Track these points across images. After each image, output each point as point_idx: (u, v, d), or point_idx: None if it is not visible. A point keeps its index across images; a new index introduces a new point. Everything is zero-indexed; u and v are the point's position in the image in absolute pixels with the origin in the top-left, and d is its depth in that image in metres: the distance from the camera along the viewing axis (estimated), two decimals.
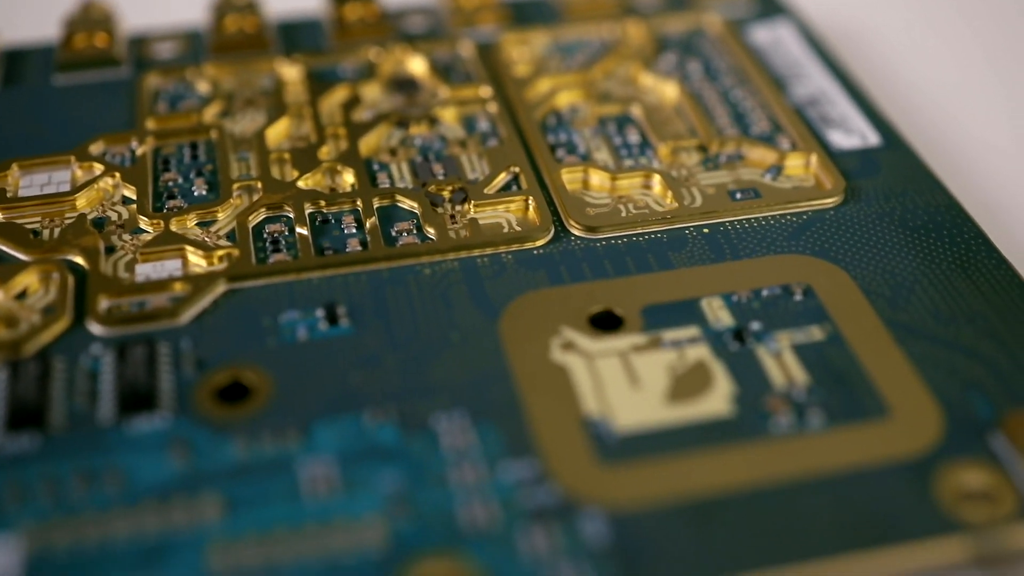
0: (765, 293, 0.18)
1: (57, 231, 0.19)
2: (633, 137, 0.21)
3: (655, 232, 0.19)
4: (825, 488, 0.15)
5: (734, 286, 0.18)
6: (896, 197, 0.20)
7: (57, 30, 0.25)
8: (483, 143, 0.21)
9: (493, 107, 0.22)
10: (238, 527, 0.15)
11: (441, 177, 0.20)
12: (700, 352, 0.17)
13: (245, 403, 0.16)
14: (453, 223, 0.19)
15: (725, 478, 0.15)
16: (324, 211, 0.19)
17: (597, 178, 0.20)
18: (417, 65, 0.23)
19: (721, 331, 0.17)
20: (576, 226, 0.19)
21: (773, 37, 0.25)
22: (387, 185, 0.20)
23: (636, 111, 0.22)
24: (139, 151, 0.21)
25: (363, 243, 0.19)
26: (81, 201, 0.20)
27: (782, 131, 0.21)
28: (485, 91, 0.22)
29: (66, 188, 0.20)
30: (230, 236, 0.19)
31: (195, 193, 0.20)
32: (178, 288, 0.18)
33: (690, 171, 0.20)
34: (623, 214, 0.19)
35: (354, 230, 0.19)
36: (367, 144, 0.21)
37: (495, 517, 0.15)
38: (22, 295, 0.18)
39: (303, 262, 0.18)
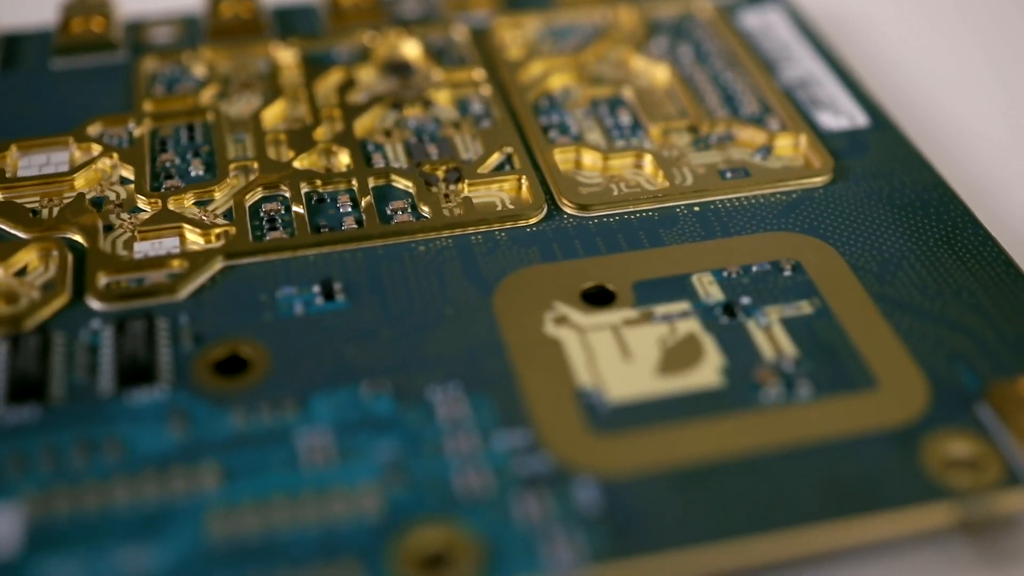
0: (755, 269, 0.18)
1: (56, 210, 0.19)
2: (625, 119, 0.22)
3: (646, 210, 0.19)
4: (813, 456, 0.15)
5: (724, 262, 0.18)
6: (884, 176, 0.20)
7: (54, 15, 0.25)
8: (477, 124, 0.21)
9: (486, 90, 0.22)
10: (236, 495, 0.15)
11: (435, 157, 0.20)
12: (691, 326, 0.17)
13: (243, 376, 0.16)
14: (447, 202, 0.19)
15: (715, 447, 0.15)
16: (320, 191, 0.20)
17: (589, 158, 0.20)
18: (411, 49, 0.23)
19: (711, 306, 0.18)
20: (568, 204, 0.19)
21: (763, 22, 0.25)
22: (382, 166, 0.20)
23: (628, 93, 0.22)
24: (136, 132, 0.21)
25: (358, 221, 0.19)
26: (79, 181, 0.20)
27: (772, 113, 0.22)
28: (478, 74, 0.23)
29: (64, 169, 0.20)
30: (227, 215, 0.19)
31: (192, 174, 0.20)
32: (176, 265, 0.18)
33: (681, 151, 0.21)
34: (615, 193, 0.20)
35: (349, 209, 0.19)
36: (362, 125, 0.21)
37: (489, 485, 0.15)
38: (22, 272, 0.18)
39: (299, 240, 0.19)
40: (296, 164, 0.20)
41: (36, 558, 0.14)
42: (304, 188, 0.20)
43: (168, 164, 0.20)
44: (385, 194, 0.20)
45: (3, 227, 0.19)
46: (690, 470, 0.15)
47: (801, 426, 0.16)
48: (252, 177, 0.20)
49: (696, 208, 0.19)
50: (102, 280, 0.18)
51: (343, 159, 0.20)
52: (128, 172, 0.20)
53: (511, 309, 0.17)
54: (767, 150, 0.21)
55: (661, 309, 0.17)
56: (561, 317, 0.17)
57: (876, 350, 0.17)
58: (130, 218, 0.19)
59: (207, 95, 0.22)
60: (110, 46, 0.24)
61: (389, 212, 0.19)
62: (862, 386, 0.16)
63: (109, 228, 0.19)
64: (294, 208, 0.19)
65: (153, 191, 0.20)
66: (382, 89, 0.22)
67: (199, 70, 0.23)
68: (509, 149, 0.20)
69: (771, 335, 0.17)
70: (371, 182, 0.20)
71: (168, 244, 0.19)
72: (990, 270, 0.18)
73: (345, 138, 0.21)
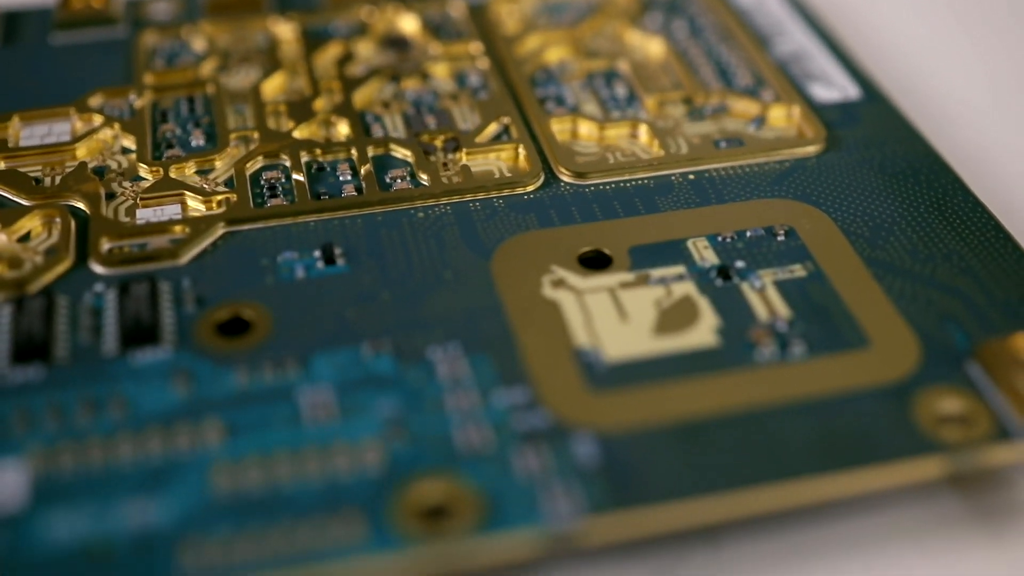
0: (749, 234, 0.18)
1: (58, 178, 0.19)
2: (620, 90, 0.22)
3: (642, 178, 0.20)
4: (807, 411, 0.16)
5: (719, 228, 0.19)
6: (876, 146, 0.21)
7: None
8: (474, 96, 0.22)
9: (483, 63, 0.22)
10: (240, 450, 0.15)
11: (433, 128, 0.21)
12: (686, 288, 0.17)
13: (245, 337, 0.17)
14: (446, 170, 0.20)
15: (710, 403, 0.16)
16: (320, 159, 0.20)
17: (585, 128, 0.21)
18: (409, 24, 0.24)
19: (706, 269, 0.18)
20: (565, 172, 0.20)
21: None
22: (381, 136, 0.21)
23: (623, 66, 0.22)
24: (137, 104, 0.21)
25: (358, 189, 0.19)
26: (81, 150, 0.20)
27: (765, 85, 0.22)
28: (475, 48, 0.23)
29: (66, 139, 0.20)
30: (228, 183, 0.19)
31: (193, 144, 0.20)
32: (178, 231, 0.18)
33: (676, 122, 0.21)
34: (611, 161, 0.20)
35: (349, 177, 0.20)
36: (361, 97, 0.21)
37: (489, 440, 0.15)
38: (25, 238, 0.18)
39: (300, 206, 0.19)
40: (296, 134, 0.20)
41: (42, 511, 0.14)
42: (304, 157, 0.20)
43: (169, 134, 0.21)
44: (384, 163, 0.20)
45: (6, 195, 0.19)
46: (686, 425, 0.15)
47: (795, 383, 0.16)
48: (252, 146, 0.20)
49: (691, 176, 0.20)
50: (105, 245, 0.18)
51: (342, 130, 0.21)
52: (129, 142, 0.20)
53: (509, 273, 0.18)
54: (760, 121, 0.21)
55: (657, 272, 0.18)
56: (559, 280, 0.18)
57: (868, 311, 0.17)
58: (132, 186, 0.19)
59: (207, 68, 0.22)
60: (110, 21, 0.24)
61: (388, 180, 0.20)
62: (855, 346, 0.17)
63: (111, 196, 0.19)
64: (294, 176, 0.19)
65: (155, 160, 0.20)
66: (380, 62, 0.23)
67: (198, 44, 0.23)
68: (506, 119, 0.21)
69: (765, 297, 0.17)
70: (370, 151, 0.20)
71: (170, 211, 0.19)
72: (980, 235, 0.18)
73: (344, 109, 0.21)
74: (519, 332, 0.17)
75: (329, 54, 0.23)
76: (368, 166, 0.20)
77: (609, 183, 0.20)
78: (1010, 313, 0.17)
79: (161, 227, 0.18)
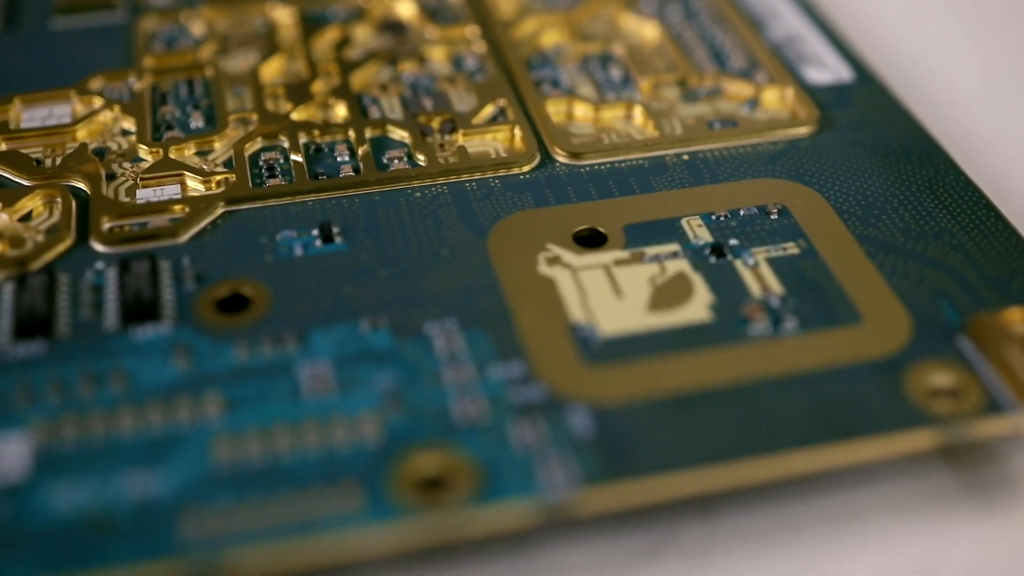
0: (742, 213, 0.19)
1: (59, 160, 0.20)
2: (615, 73, 0.22)
3: (637, 159, 0.20)
4: (800, 385, 0.16)
5: (712, 206, 0.19)
6: (868, 127, 0.21)
7: None
8: (471, 79, 0.22)
9: (480, 47, 0.23)
10: (240, 423, 0.15)
11: (430, 109, 0.21)
12: (680, 265, 0.18)
13: (244, 313, 0.17)
14: (442, 151, 0.20)
15: (704, 377, 0.16)
16: (318, 141, 0.20)
17: (581, 109, 0.21)
18: (405, 8, 0.24)
19: (700, 247, 0.18)
20: (561, 153, 0.20)
21: None
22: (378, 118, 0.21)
23: (618, 49, 0.23)
24: (137, 87, 0.21)
25: (355, 169, 0.19)
26: (82, 132, 0.20)
27: (759, 68, 0.22)
28: (472, 31, 0.23)
29: (67, 121, 0.20)
30: (227, 164, 0.20)
31: (192, 126, 0.21)
32: (177, 210, 0.18)
33: (670, 103, 0.21)
34: (606, 142, 0.20)
35: (347, 158, 0.20)
36: (358, 80, 0.22)
37: (485, 412, 0.15)
38: (26, 217, 0.18)
39: (298, 186, 0.19)
40: (294, 116, 0.21)
41: (45, 482, 0.14)
42: (302, 139, 0.20)
43: (168, 116, 0.21)
44: (381, 144, 0.20)
45: (8, 175, 0.19)
46: (680, 398, 0.16)
47: (788, 357, 0.16)
48: (251, 128, 0.20)
49: (685, 157, 0.20)
50: (105, 224, 0.18)
51: (340, 111, 0.21)
52: (129, 124, 0.20)
53: (505, 250, 0.18)
54: (754, 102, 0.21)
55: (651, 250, 0.18)
56: (554, 258, 0.18)
57: (860, 287, 0.17)
58: (132, 167, 0.19)
59: (206, 52, 0.22)
60: (109, 5, 0.24)
61: (385, 161, 0.20)
62: (847, 321, 0.17)
63: (111, 176, 0.19)
64: (292, 156, 0.20)
65: (154, 141, 0.20)
66: (377, 46, 0.23)
67: (197, 29, 0.23)
68: (502, 101, 0.21)
69: (758, 274, 0.17)
70: (368, 133, 0.20)
71: (169, 191, 0.19)
72: (970, 213, 0.19)
73: (342, 92, 0.21)
74: (515, 308, 0.17)
75: (327, 38, 0.23)
76: (366, 147, 0.20)
77: (604, 163, 0.20)
78: (1000, 289, 0.17)
79: (161, 207, 0.18)
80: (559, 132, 0.20)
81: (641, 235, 0.18)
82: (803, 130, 0.20)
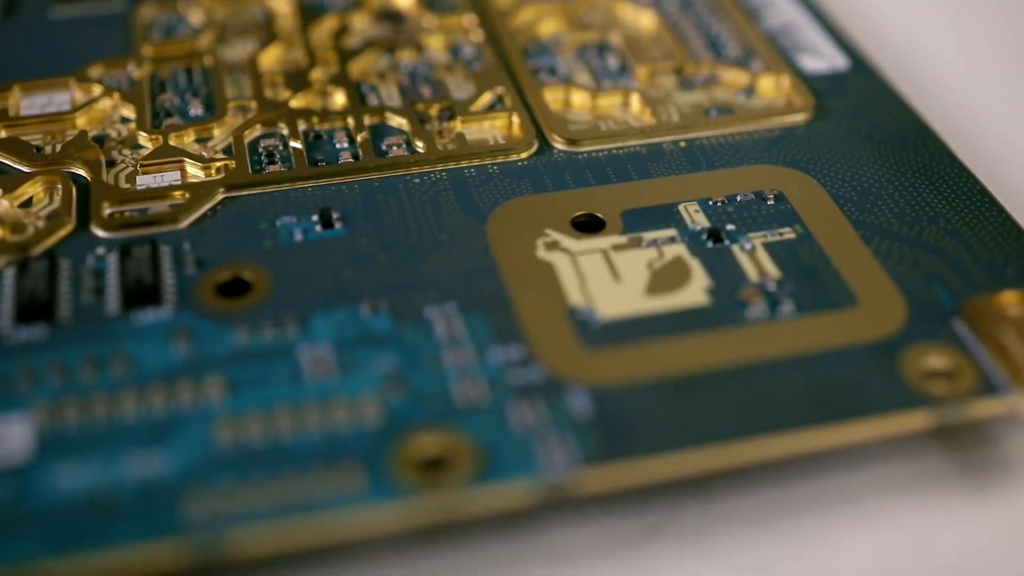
0: (739, 198, 0.19)
1: (59, 147, 0.20)
2: (612, 61, 0.22)
3: (634, 146, 0.20)
4: (797, 366, 0.16)
5: (709, 192, 0.19)
6: (864, 115, 0.21)
7: None
8: (468, 67, 0.22)
9: (477, 35, 0.23)
10: (242, 405, 0.15)
11: (428, 97, 0.21)
12: (678, 250, 0.18)
13: (244, 298, 0.17)
14: (441, 138, 0.20)
15: (702, 359, 0.16)
16: (317, 128, 0.20)
17: (578, 97, 0.21)
18: None
19: (697, 232, 0.18)
20: (559, 140, 0.20)
21: None
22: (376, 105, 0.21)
23: (615, 38, 0.23)
24: (136, 75, 0.21)
25: (355, 156, 0.20)
26: (81, 120, 0.20)
27: (755, 56, 0.22)
28: (469, 20, 0.23)
29: (66, 108, 0.21)
30: (226, 151, 0.20)
31: (191, 113, 0.21)
32: (177, 196, 0.19)
33: (667, 91, 0.21)
34: (603, 129, 0.20)
35: (346, 145, 0.20)
36: (356, 68, 0.22)
37: (485, 394, 0.15)
38: (27, 204, 0.19)
39: (297, 172, 0.19)
40: (293, 103, 0.21)
41: (48, 463, 0.15)
42: (301, 126, 0.20)
43: (168, 104, 0.21)
44: (380, 132, 0.20)
45: (8, 162, 0.19)
46: (678, 380, 0.16)
47: (785, 340, 0.16)
48: (250, 115, 0.20)
49: (682, 144, 0.20)
50: (106, 210, 0.18)
51: (339, 99, 0.21)
52: (129, 111, 0.20)
53: (504, 235, 0.18)
54: (750, 90, 0.21)
55: (649, 235, 0.18)
56: (553, 243, 0.18)
57: (856, 271, 0.17)
58: (132, 154, 0.20)
59: (204, 40, 0.22)
60: None
61: (384, 148, 0.20)
62: (843, 304, 0.17)
63: (111, 163, 0.19)
64: (292, 143, 0.20)
65: (154, 129, 0.20)
66: (375, 35, 0.23)
67: (196, 18, 0.23)
68: (500, 89, 0.21)
69: (755, 258, 0.18)
70: (366, 120, 0.20)
71: (169, 178, 0.19)
72: (965, 199, 0.19)
73: (340, 79, 0.21)
74: (514, 292, 0.17)
75: (325, 27, 0.23)
76: (365, 134, 0.20)
77: (602, 150, 0.20)
78: (995, 273, 0.17)
79: (161, 192, 0.19)
80: (557, 119, 0.20)
81: (639, 221, 0.18)
82: (799, 117, 0.21)
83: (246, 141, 0.20)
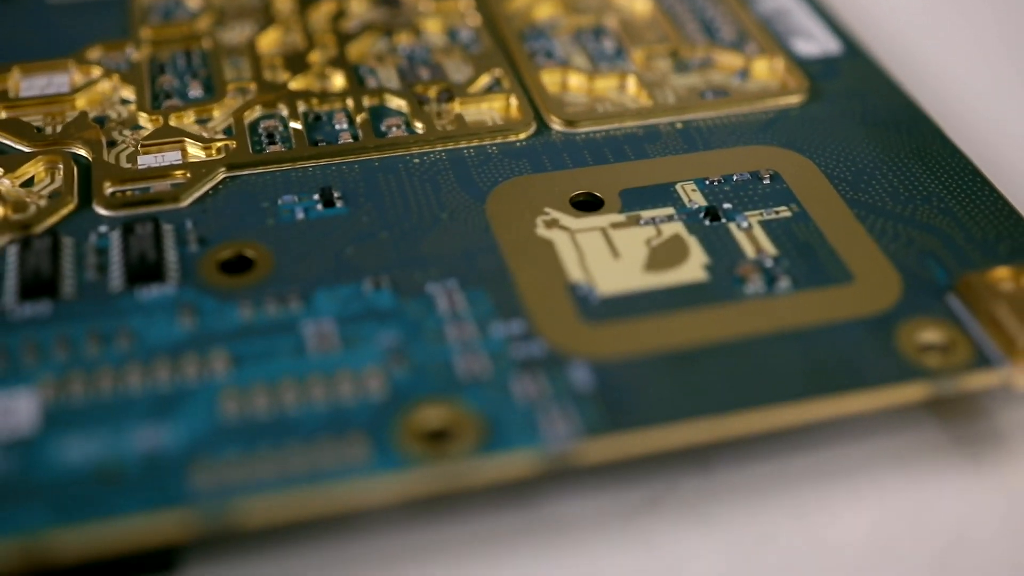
0: (735, 178, 0.19)
1: (59, 127, 0.20)
2: (608, 45, 0.22)
3: (631, 127, 0.20)
4: (795, 340, 0.16)
5: (706, 172, 0.19)
6: (857, 97, 0.21)
7: None
8: (466, 50, 0.22)
9: (474, 19, 0.23)
10: (247, 379, 0.15)
11: (427, 79, 0.21)
12: (676, 228, 0.18)
13: (247, 274, 0.17)
14: (439, 119, 0.20)
15: (701, 333, 0.16)
16: (316, 109, 0.20)
17: (575, 80, 0.21)
18: None
19: (695, 210, 0.18)
20: (556, 121, 0.20)
21: None
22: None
23: (611, 22, 0.23)
24: (135, 57, 0.21)
25: (354, 137, 0.20)
26: (81, 101, 0.20)
27: (749, 40, 0.22)
28: (466, 3, 0.23)
29: (66, 90, 0.21)
30: (226, 132, 0.20)
31: (191, 95, 0.21)
32: (179, 175, 0.19)
33: (663, 74, 0.22)
34: (600, 111, 0.21)
35: (345, 126, 0.20)
36: (355, 51, 0.22)
37: (487, 368, 0.16)
38: (28, 183, 0.19)
39: (298, 152, 0.19)
40: (292, 85, 0.21)
41: (55, 435, 0.15)
42: (301, 107, 0.20)
43: (167, 86, 0.21)
44: (379, 113, 0.20)
45: (9, 142, 0.19)
46: (678, 353, 0.16)
47: (782, 315, 0.16)
48: (249, 97, 0.20)
49: (679, 125, 0.20)
50: (108, 189, 0.18)
51: (337, 81, 0.21)
52: (129, 92, 0.21)
53: (504, 214, 0.18)
54: (744, 73, 0.22)
55: (647, 214, 0.18)
56: (552, 221, 0.18)
57: (851, 249, 0.18)
58: (132, 134, 0.20)
59: (203, 23, 0.23)
60: None
61: (383, 129, 0.20)
62: (839, 280, 0.17)
63: (112, 144, 0.19)
64: (292, 124, 0.20)
65: (154, 110, 0.20)
66: (372, 19, 0.23)
67: (193, 2, 0.23)
68: (498, 71, 0.21)
69: (752, 236, 0.18)
70: (365, 101, 0.20)
71: (170, 157, 0.19)
72: (957, 179, 0.19)
73: (339, 62, 0.21)
74: (515, 269, 0.17)
75: (322, 11, 0.23)
76: (364, 114, 0.20)
77: (599, 131, 0.20)
78: (987, 250, 0.18)
79: (162, 172, 0.19)
80: (554, 101, 0.21)
81: (637, 199, 0.19)
82: (793, 100, 0.21)
83: (246, 122, 0.20)
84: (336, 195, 0.18)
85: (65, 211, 0.18)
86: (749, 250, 0.18)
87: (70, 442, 0.15)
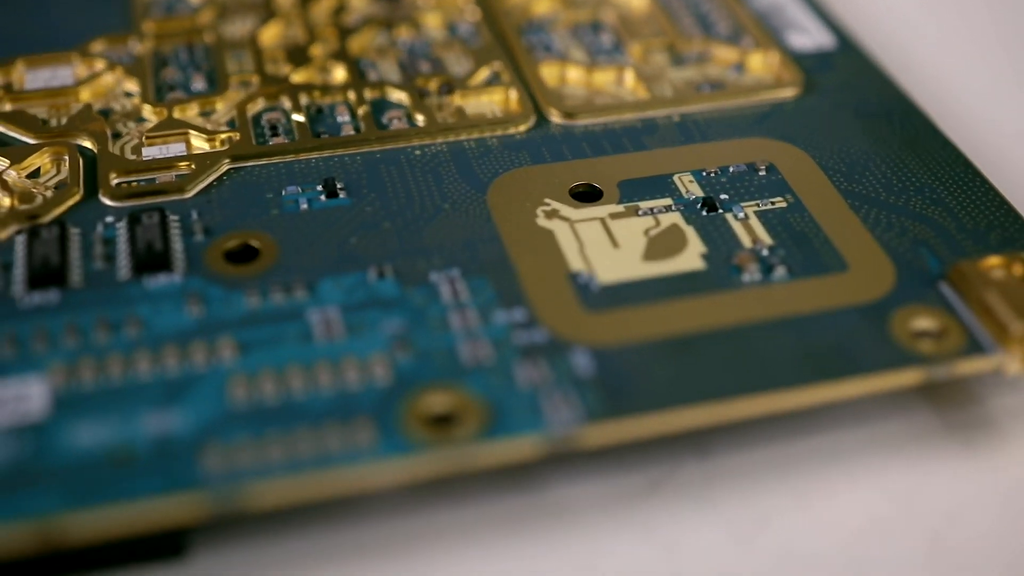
0: (732, 169, 0.19)
1: (64, 120, 0.20)
2: (605, 39, 0.23)
3: (629, 119, 0.21)
4: (791, 327, 0.16)
5: (703, 164, 0.19)
6: (850, 91, 0.21)
7: None
8: (466, 44, 0.22)
9: (473, 14, 0.23)
10: (254, 365, 0.16)
11: (427, 72, 0.21)
12: (673, 218, 0.18)
13: (253, 264, 0.17)
14: (440, 112, 0.20)
15: (699, 321, 0.17)
16: (318, 102, 0.21)
17: (574, 73, 0.21)
18: None
19: (692, 201, 0.19)
20: (556, 113, 0.20)
21: None
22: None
23: (608, 17, 0.23)
24: (138, 50, 0.22)
25: (356, 129, 0.20)
26: (85, 93, 0.21)
27: (744, 34, 0.23)
28: None
29: (70, 82, 0.21)
30: (230, 124, 0.20)
31: (194, 88, 0.21)
32: (183, 167, 0.19)
33: (660, 68, 0.22)
34: (599, 104, 0.21)
35: (347, 118, 0.20)
36: (355, 44, 0.22)
37: (490, 354, 0.16)
38: (34, 174, 0.19)
39: (301, 144, 0.19)
40: (294, 78, 0.21)
41: (66, 421, 0.15)
42: (303, 100, 0.20)
43: (170, 79, 0.21)
44: (380, 106, 0.21)
45: (14, 134, 0.20)
46: (677, 340, 0.16)
47: (778, 303, 0.17)
48: (252, 90, 0.21)
49: (676, 118, 0.21)
50: (114, 179, 0.19)
51: (339, 74, 0.21)
52: (132, 85, 0.21)
53: (505, 204, 0.18)
54: (740, 67, 0.22)
55: (645, 204, 0.19)
56: (552, 211, 0.18)
57: (846, 238, 0.18)
58: (136, 126, 0.20)
59: (205, 17, 0.23)
60: None
61: (385, 121, 0.20)
62: (834, 269, 0.17)
63: (117, 136, 0.20)
64: (294, 116, 0.20)
65: (158, 102, 0.20)
66: (373, 13, 0.23)
67: None
68: (497, 65, 0.22)
69: (748, 226, 0.18)
70: (367, 94, 0.21)
71: (175, 149, 0.19)
72: (949, 170, 0.19)
73: (340, 55, 0.22)
74: (516, 258, 0.17)
75: (323, 5, 0.23)
76: (366, 107, 0.20)
77: (598, 123, 0.20)
78: (978, 239, 0.18)
79: (167, 163, 0.19)
80: (553, 94, 0.21)
81: (635, 190, 0.19)
82: (788, 93, 0.21)
83: (249, 114, 0.20)
84: (339, 186, 0.19)
85: (71, 201, 0.18)
86: (746, 240, 0.18)
87: (82, 427, 0.15)
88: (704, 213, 0.18)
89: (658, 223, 0.18)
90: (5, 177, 0.18)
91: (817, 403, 0.16)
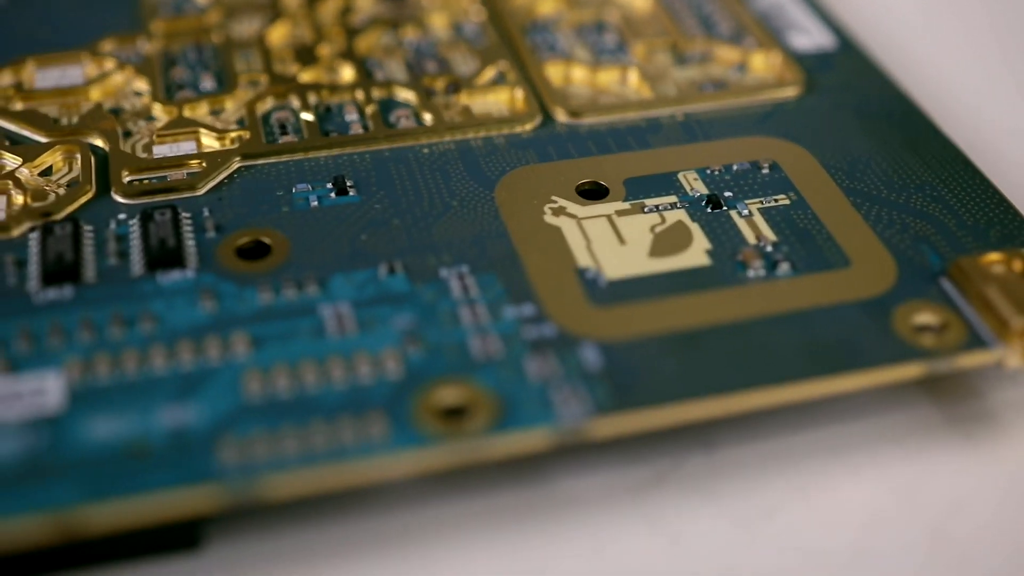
0: (735, 167, 0.20)
1: (75, 119, 0.20)
2: (609, 39, 0.23)
3: (634, 118, 0.21)
4: (795, 322, 0.17)
5: (707, 162, 0.20)
6: (851, 91, 0.22)
7: None
8: (471, 44, 0.23)
9: (478, 14, 0.23)
10: (268, 360, 0.16)
11: (433, 71, 0.22)
12: (679, 215, 0.19)
13: (264, 260, 0.18)
14: (447, 111, 0.21)
15: (705, 316, 0.17)
16: (326, 101, 0.21)
17: (578, 73, 0.22)
18: None
19: (697, 198, 0.19)
20: (561, 112, 0.21)
21: None
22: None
23: (612, 17, 0.24)
24: (147, 50, 0.22)
25: (364, 128, 0.20)
26: (95, 92, 0.21)
27: (746, 34, 0.23)
28: None
29: (80, 82, 0.21)
30: (239, 123, 0.20)
31: (203, 87, 0.21)
32: (194, 165, 0.19)
33: (664, 68, 0.22)
34: (604, 103, 0.21)
35: (356, 117, 0.21)
36: (362, 44, 0.22)
37: (500, 348, 0.16)
38: (46, 172, 0.19)
39: (310, 142, 0.20)
40: (302, 77, 0.21)
41: (82, 414, 0.15)
42: (312, 99, 0.21)
43: (179, 79, 0.21)
44: (387, 105, 0.21)
45: (26, 133, 0.20)
46: (683, 335, 0.16)
47: (782, 298, 0.17)
48: (261, 89, 0.21)
49: (680, 117, 0.21)
50: (126, 177, 0.19)
51: (346, 74, 0.22)
52: (142, 84, 0.21)
53: (512, 202, 0.19)
54: (742, 67, 0.22)
55: (651, 201, 0.19)
56: (559, 208, 0.19)
57: (848, 235, 0.18)
58: (147, 125, 0.20)
59: (213, 18, 0.23)
60: None
61: (393, 120, 0.21)
62: (837, 265, 0.18)
63: (127, 134, 0.20)
64: (303, 115, 0.20)
65: (168, 100, 0.21)
66: (379, 13, 0.24)
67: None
68: (503, 64, 0.22)
69: (752, 223, 0.18)
70: (375, 93, 0.21)
71: (185, 148, 0.20)
72: (949, 168, 0.20)
73: (347, 55, 0.22)
74: (524, 255, 0.18)
75: (330, 5, 0.24)
76: (374, 106, 0.21)
77: (603, 122, 0.21)
78: (979, 236, 0.18)
79: (178, 161, 0.19)
80: (558, 93, 0.21)
81: (641, 188, 0.19)
82: (790, 92, 0.21)
83: (258, 113, 0.20)
84: (349, 184, 0.19)
85: (84, 199, 0.18)
86: (750, 236, 0.18)
87: (98, 420, 0.15)
88: (709, 210, 0.19)
89: (663, 220, 0.18)
90: (18, 175, 0.19)
91: (820, 397, 0.16)
